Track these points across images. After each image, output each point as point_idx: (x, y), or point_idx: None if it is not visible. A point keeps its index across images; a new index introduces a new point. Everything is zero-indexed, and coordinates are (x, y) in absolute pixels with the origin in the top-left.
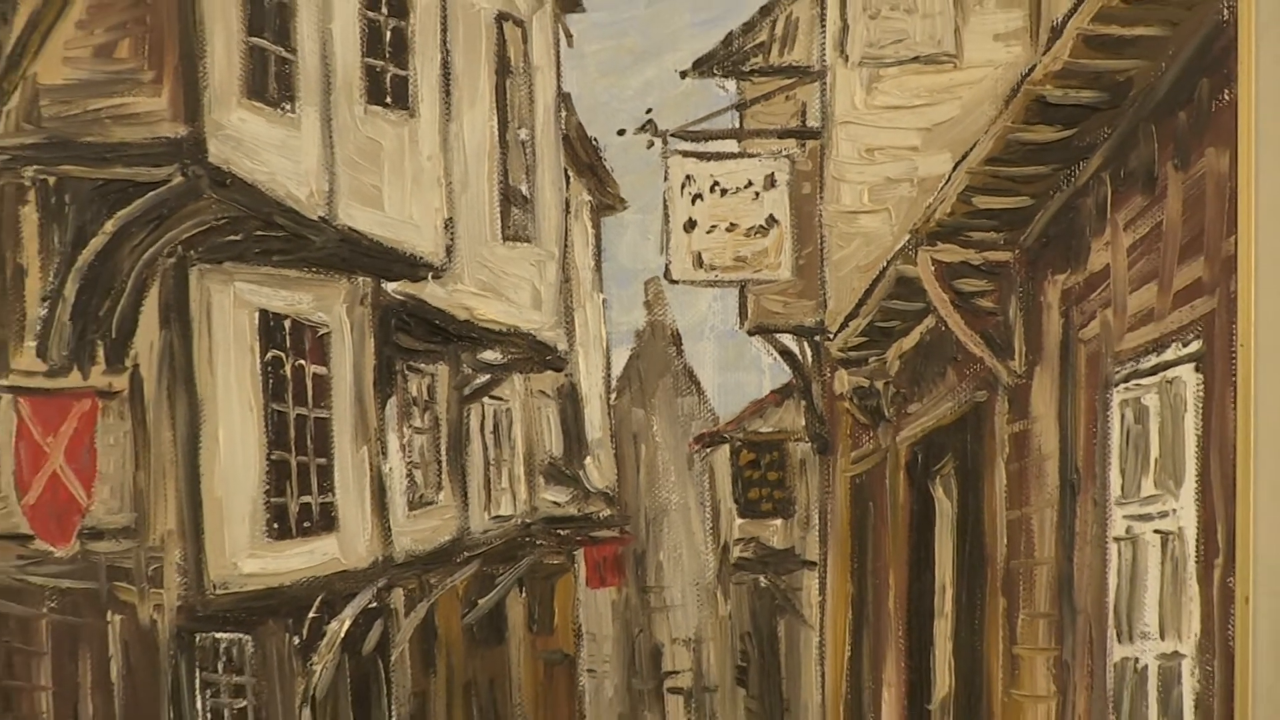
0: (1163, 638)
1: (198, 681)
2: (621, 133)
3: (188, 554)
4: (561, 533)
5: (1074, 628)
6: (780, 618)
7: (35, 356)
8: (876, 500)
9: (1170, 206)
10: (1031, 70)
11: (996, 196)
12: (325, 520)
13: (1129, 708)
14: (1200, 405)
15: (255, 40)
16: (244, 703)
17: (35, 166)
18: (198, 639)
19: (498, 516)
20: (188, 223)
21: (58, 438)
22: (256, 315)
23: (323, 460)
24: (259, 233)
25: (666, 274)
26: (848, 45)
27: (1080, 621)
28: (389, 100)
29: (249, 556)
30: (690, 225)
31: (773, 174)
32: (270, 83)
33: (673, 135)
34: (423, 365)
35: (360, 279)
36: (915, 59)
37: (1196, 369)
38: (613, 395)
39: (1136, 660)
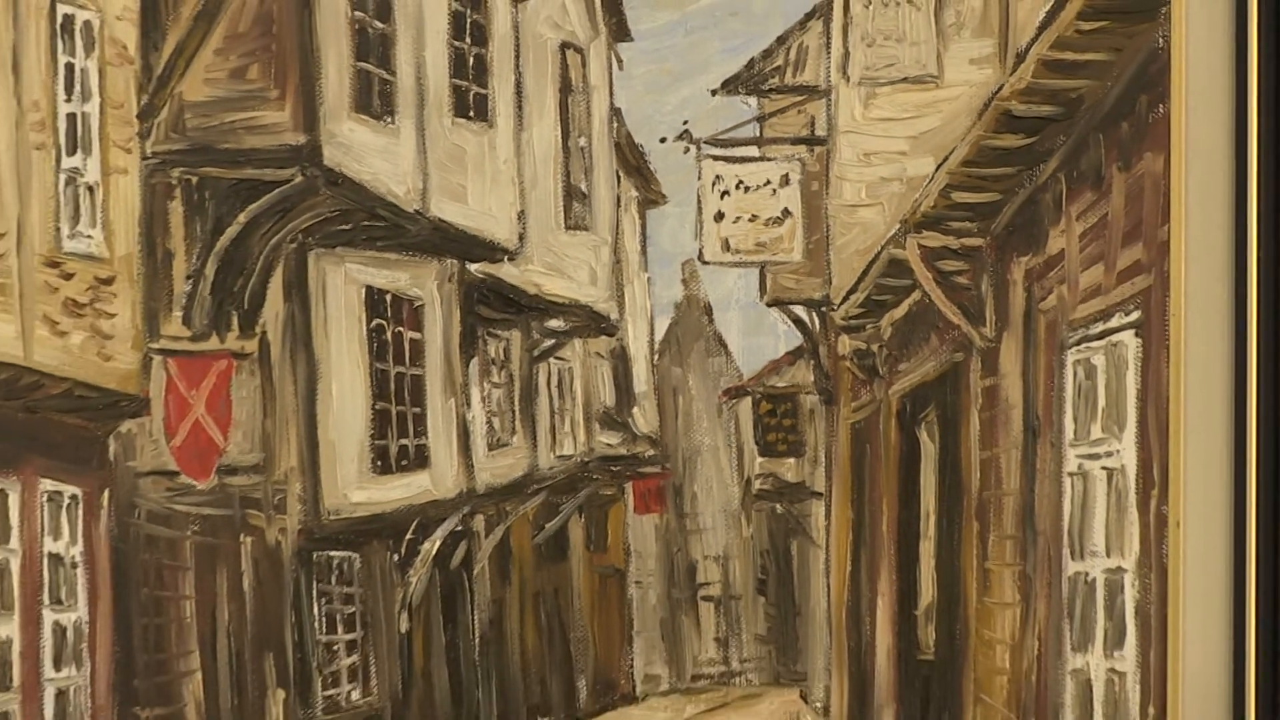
0: (1108, 555)
1: (315, 591)
2: (663, 140)
3: (306, 486)
4: (614, 469)
5: (1035, 547)
6: (793, 539)
7: (181, 324)
8: (872, 442)
9: (1115, 201)
10: (1000, 89)
11: (971, 193)
12: (419, 459)
13: (1080, 613)
14: (1139, 364)
15: (362, 64)
16: (353, 609)
17: (180, 169)
18: (314, 556)
19: (561, 455)
20: (306, 214)
21: (199, 391)
22: (363, 290)
23: (417, 409)
24: (365, 223)
25: (700, 256)
26: (849, 68)
27: (1040, 542)
28: (472, 114)
29: (357, 488)
30: (719, 216)
31: (787, 174)
32: (374, 99)
33: (705, 143)
34: (499, 331)
35: (448, 261)
36: (904, 79)
37: (1136, 334)
38: (656, 356)
39: (1086, 574)
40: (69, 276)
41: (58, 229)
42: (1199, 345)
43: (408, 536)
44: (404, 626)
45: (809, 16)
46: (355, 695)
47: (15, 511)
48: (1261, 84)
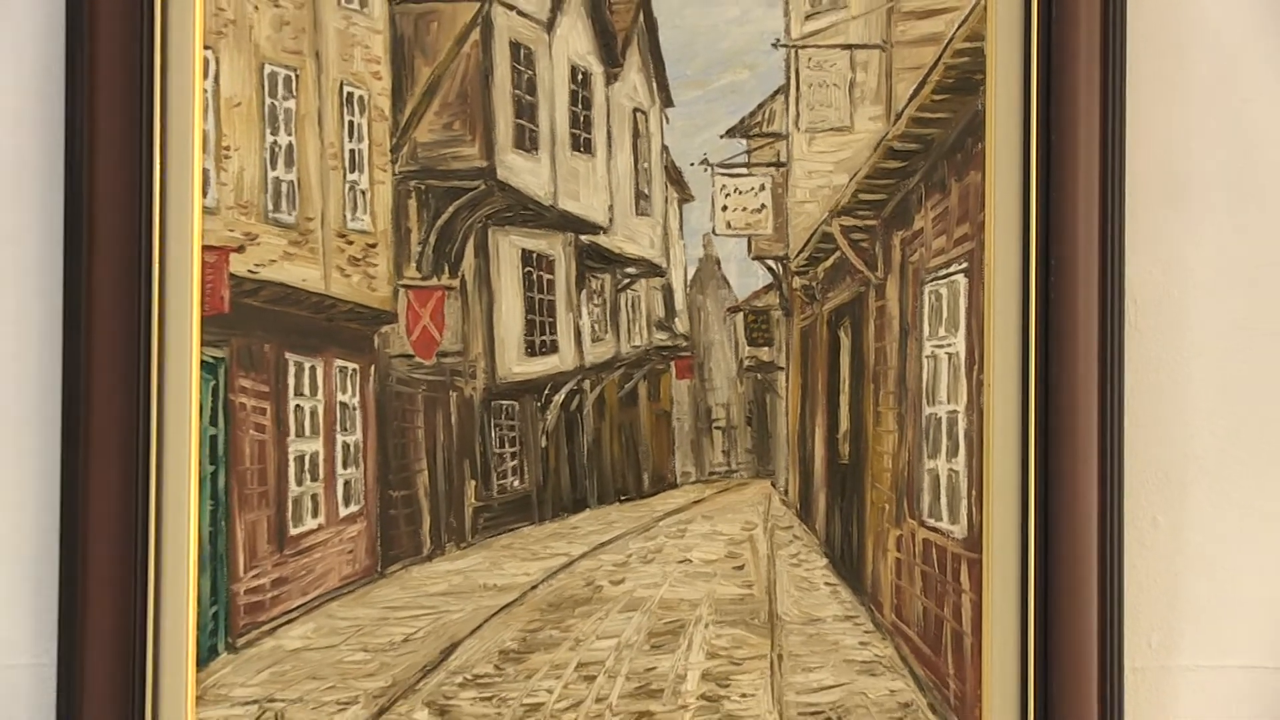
0: (949, 403)
1: (492, 424)
2: (692, 164)
3: (487, 364)
4: (664, 354)
5: (906, 399)
6: (767, 394)
7: (415, 270)
8: (812, 337)
9: (953, 199)
10: (886, 134)
11: (870, 194)
12: (552, 347)
13: (932, 437)
14: (967, 294)
15: (519, 121)
16: (514, 434)
17: (414, 180)
18: (492, 404)
19: (634, 345)
20: (487, 207)
21: (426, 308)
22: (520, 250)
23: (550, 319)
24: (521, 212)
25: (713, 231)
26: (799, 123)
27: (909, 396)
28: (582, 150)
29: (516, 365)
30: (724, 208)
31: (764, 184)
32: (526, 141)
33: (716, 165)
34: (598, 274)
35: (569, 233)
36: (831, 129)
37: (965, 276)
38: (688, 289)
39: (936, 414)
40: (350, 243)
41: (345, 215)
42: (1001, 283)
43: (545, 392)
44: (543, 444)
45: (776, 93)
46: (516, 484)
47: (320, 378)
48: (1038, 133)
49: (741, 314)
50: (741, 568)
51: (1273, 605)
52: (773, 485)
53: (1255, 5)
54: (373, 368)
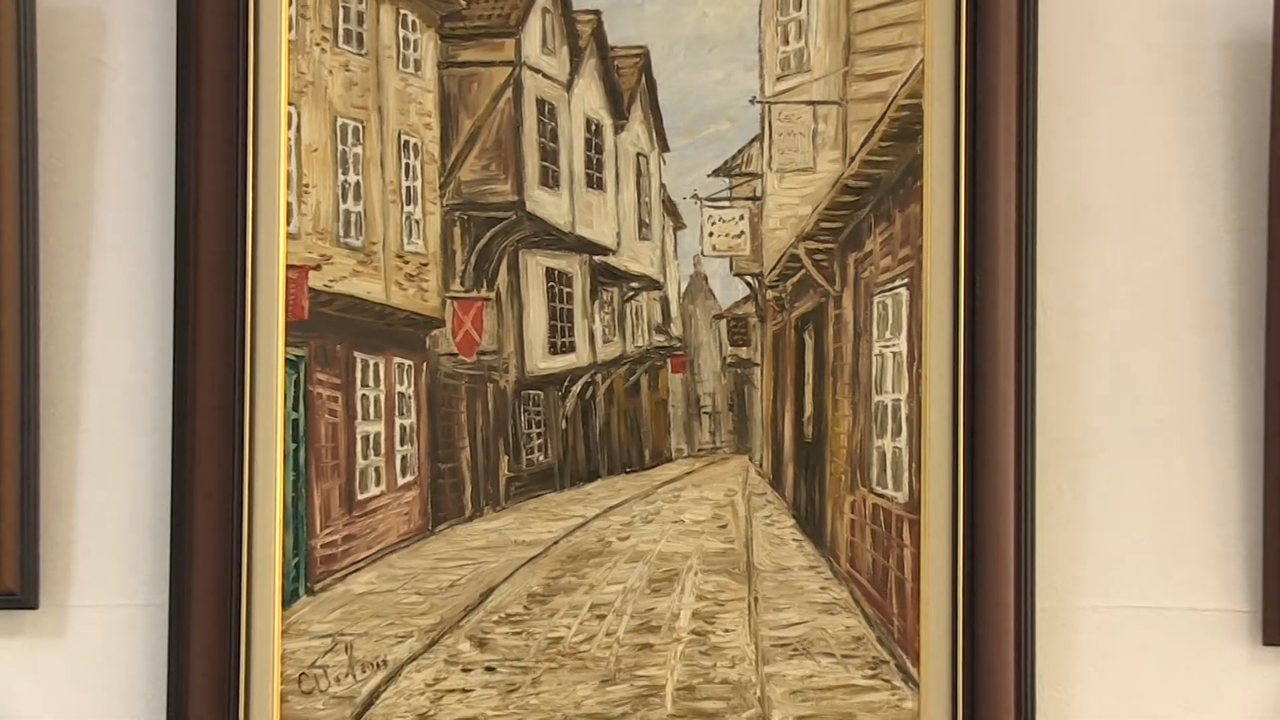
0: (893, 393)
1: (521, 409)
2: (684, 199)
3: (517, 361)
4: (661, 352)
5: (859, 389)
6: (745, 386)
7: (459, 284)
8: (783, 339)
9: (896, 226)
10: (842, 174)
11: (830, 223)
12: (570, 347)
13: (880, 420)
14: (909, 304)
15: (544, 163)
16: (540, 417)
17: (459, 211)
18: (522, 393)
19: (637, 346)
20: (518, 234)
21: (468, 316)
22: (544, 269)
23: (569, 324)
24: (545, 237)
25: (701, 252)
26: (772, 164)
27: (861, 386)
28: (594, 186)
29: (541, 361)
30: (711, 234)
31: (743, 214)
32: (549, 179)
33: (705, 199)
34: (608, 288)
35: (585, 254)
36: (798, 169)
37: (907, 289)
38: (681, 299)
39: (883, 402)
40: (407, 262)
41: (402, 240)
42: (936, 295)
43: (565, 383)
44: (563, 426)
45: (753, 140)
46: (541, 458)
47: (382, 372)
48: (966, 174)
49: (725, 320)
50: (724, 526)
51: (1153, 556)
52: (750, 460)
53: (1150, 74)
54: (425, 364)
